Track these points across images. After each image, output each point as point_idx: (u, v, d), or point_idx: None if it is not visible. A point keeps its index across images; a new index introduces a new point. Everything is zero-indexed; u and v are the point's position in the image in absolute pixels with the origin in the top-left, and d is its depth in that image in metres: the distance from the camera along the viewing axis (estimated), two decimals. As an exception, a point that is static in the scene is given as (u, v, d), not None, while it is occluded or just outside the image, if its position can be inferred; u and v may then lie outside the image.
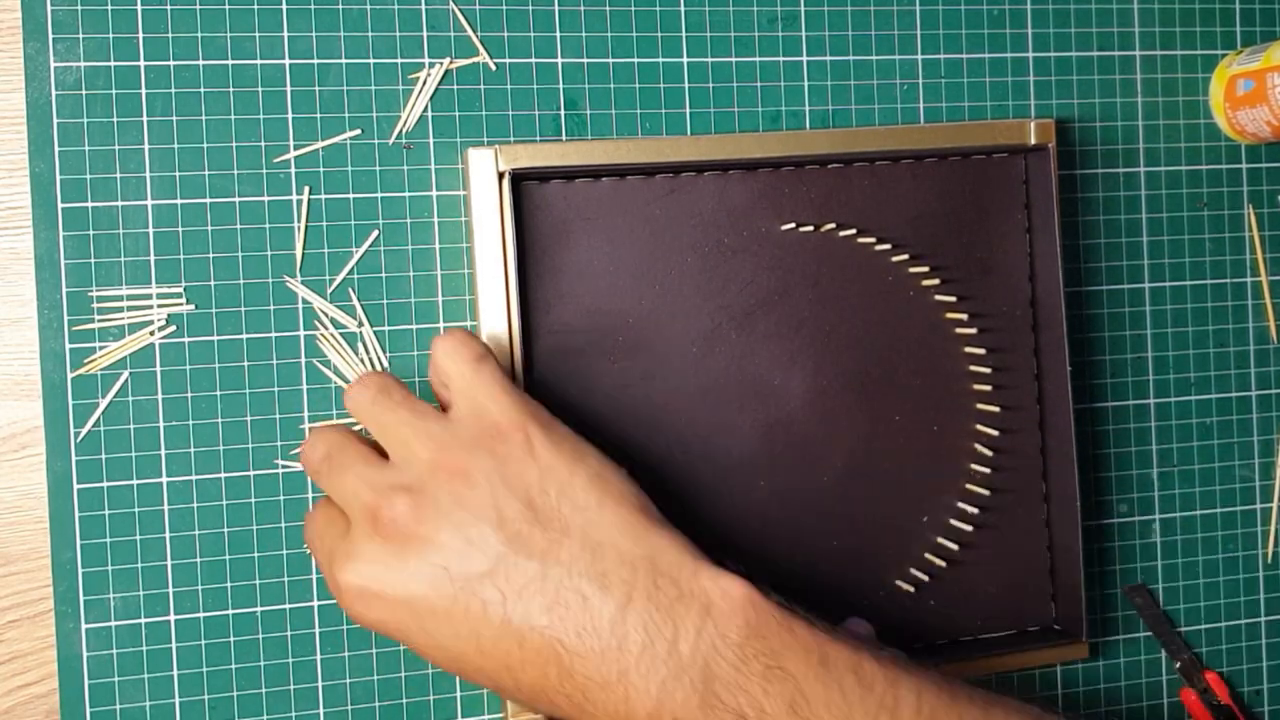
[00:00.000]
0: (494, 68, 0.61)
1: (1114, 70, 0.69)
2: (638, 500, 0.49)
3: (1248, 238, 0.72)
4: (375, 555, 0.47)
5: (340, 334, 0.60)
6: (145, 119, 0.58)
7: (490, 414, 0.49)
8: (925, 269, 0.65)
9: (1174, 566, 0.70)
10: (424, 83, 0.61)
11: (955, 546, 0.65)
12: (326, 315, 0.60)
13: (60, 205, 0.57)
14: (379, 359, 0.60)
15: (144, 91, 0.58)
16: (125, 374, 0.58)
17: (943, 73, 0.67)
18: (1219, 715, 0.66)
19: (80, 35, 0.57)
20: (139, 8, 0.58)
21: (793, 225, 0.63)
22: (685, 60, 0.64)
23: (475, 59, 0.61)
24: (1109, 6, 0.69)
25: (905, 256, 0.64)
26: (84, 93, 0.57)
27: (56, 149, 0.57)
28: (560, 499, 0.47)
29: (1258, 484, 0.72)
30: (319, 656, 0.59)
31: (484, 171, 0.59)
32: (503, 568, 0.45)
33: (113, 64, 0.57)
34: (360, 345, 0.60)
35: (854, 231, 0.64)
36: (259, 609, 0.59)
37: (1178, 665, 0.66)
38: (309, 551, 0.58)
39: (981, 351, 0.65)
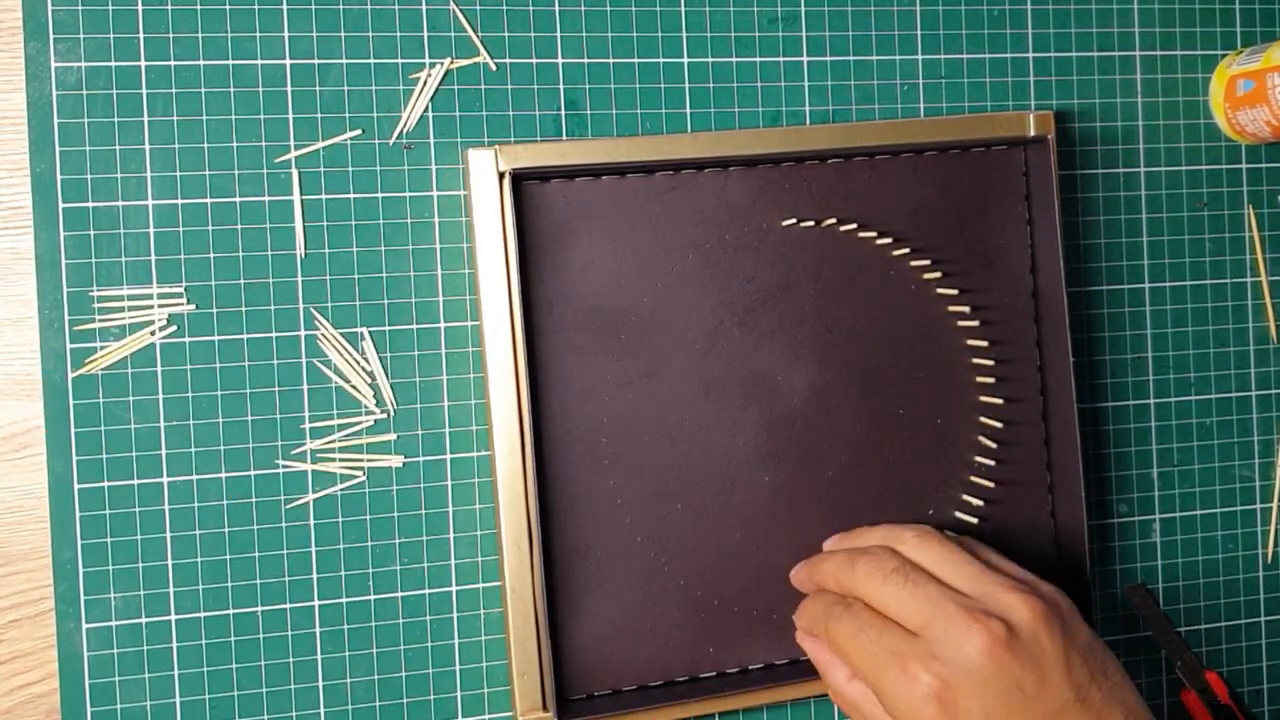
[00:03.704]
0: (494, 68, 0.62)
1: (1114, 70, 0.69)
2: None
3: (1248, 238, 0.72)
4: (961, 661, 0.53)
5: (340, 334, 0.60)
6: (146, 119, 0.58)
7: (1044, 588, 0.58)
8: (927, 262, 0.65)
9: (1174, 566, 0.70)
10: (424, 83, 0.61)
11: (960, 540, 0.65)
12: (327, 315, 0.60)
13: (61, 205, 0.57)
14: (376, 359, 0.60)
15: (145, 91, 0.58)
16: (126, 374, 0.57)
17: (943, 73, 0.67)
18: (1219, 715, 0.65)
19: (81, 35, 0.57)
20: (140, 8, 0.58)
21: (793, 220, 0.63)
22: (685, 60, 0.64)
23: (476, 59, 0.61)
24: (1109, 6, 0.69)
25: (906, 250, 0.64)
26: (85, 93, 0.57)
27: (57, 149, 0.57)
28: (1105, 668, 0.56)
29: (1258, 484, 0.72)
30: (319, 656, 0.59)
31: (484, 171, 0.59)
32: (1069, 712, 0.54)
33: (114, 64, 0.57)
34: (360, 345, 0.60)
35: (855, 226, 0.64)
36: (259, 608, 0.59)
37: (1178, 665, 0.66)
38: (839, 644, 0.58)
39: (984, 344, 0.65)
